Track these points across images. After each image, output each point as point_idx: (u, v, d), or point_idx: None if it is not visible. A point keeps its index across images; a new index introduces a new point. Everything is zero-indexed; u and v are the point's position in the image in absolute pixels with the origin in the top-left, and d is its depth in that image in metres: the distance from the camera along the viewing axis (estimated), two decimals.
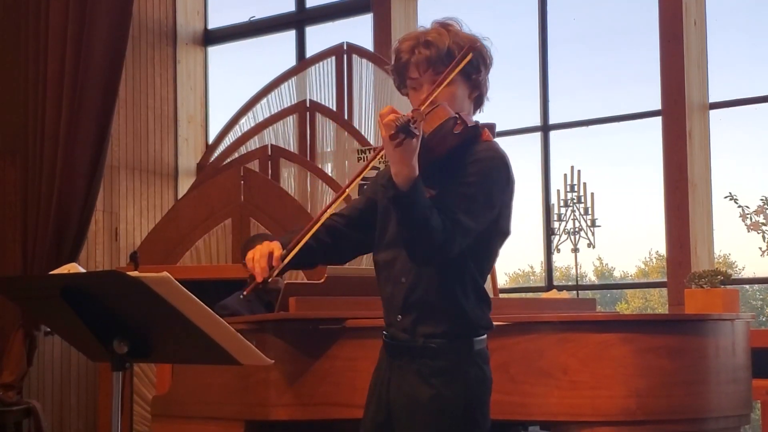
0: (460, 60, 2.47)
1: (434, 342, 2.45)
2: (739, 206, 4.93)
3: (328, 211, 2.53)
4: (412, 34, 2.54)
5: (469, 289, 2.47)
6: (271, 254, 2.43)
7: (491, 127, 2.59)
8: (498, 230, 2.52)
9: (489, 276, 6.04)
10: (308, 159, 6.97)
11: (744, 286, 6.88)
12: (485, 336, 2.52)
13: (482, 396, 2.49)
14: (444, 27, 2.52)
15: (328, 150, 7.09)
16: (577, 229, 6.24)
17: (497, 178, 2.46)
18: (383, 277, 2.57)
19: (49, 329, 5.99)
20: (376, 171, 2.78)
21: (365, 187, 2.67)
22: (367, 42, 7.33)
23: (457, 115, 2.41)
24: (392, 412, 2.51)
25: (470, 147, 2.46)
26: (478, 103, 2.59)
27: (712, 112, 6.34)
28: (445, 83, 2.44)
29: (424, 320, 2.47)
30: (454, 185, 2.41)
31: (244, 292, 2.50)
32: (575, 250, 6.25)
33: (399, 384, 2.50)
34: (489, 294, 2.57)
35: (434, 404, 2.43)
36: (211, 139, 7.95)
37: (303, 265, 2.65)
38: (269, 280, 2.44)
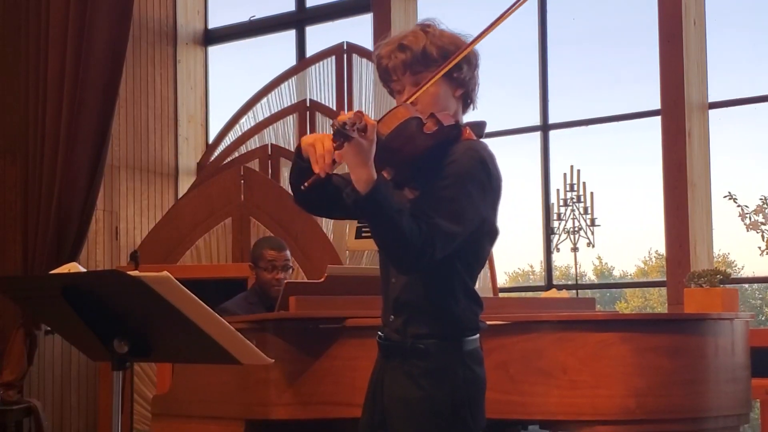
0: (446, 65, 2.44)
1: (423, 343, 2.44)
2: (739, 206, 4.93)
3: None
4: (390, 38, 2.54)
5: (458, 291, 2.45)
6: (333, 150, 2.24)
7: (479, 125, 2.55)
8: (485, 231, 2.47)
9: (489, 275, 6.09)
10: None
11: (743, 285, 6.89)
12: (477, 336, 2.51)
13: (473, 397, 2.47)
14: (422, 29, 2.51)
15: None
16: (576, 229, 6.25)
17: (476, 177, 2.38)
18: (382, 276, 2.57)
19: (49, 328, 6.00)
20: None
21: None
22: (367, 41, 7.33)
23: (419, 117, 2.37)
24: (385, 413, 2.51)
25: (449, 147, 2.42)
26: (465, 101, 2.57)
27: (712, 112, 6.34)
28: (423, 89, 2.41)
29: (414, 321, 2.47)
30: (432, 188, 2.37)
31: (306, 184, 2.32)
32: (575, 249, 6.25)
33: (391, 385, 2.50)
34: (482, 294, 2.56)
35: (423, 405, 2.42)
36: (212, 138, 7.96)
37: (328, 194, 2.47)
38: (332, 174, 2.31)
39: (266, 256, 4.80)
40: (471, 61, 2.53)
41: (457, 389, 2.43)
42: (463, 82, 2.52)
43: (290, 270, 4.89)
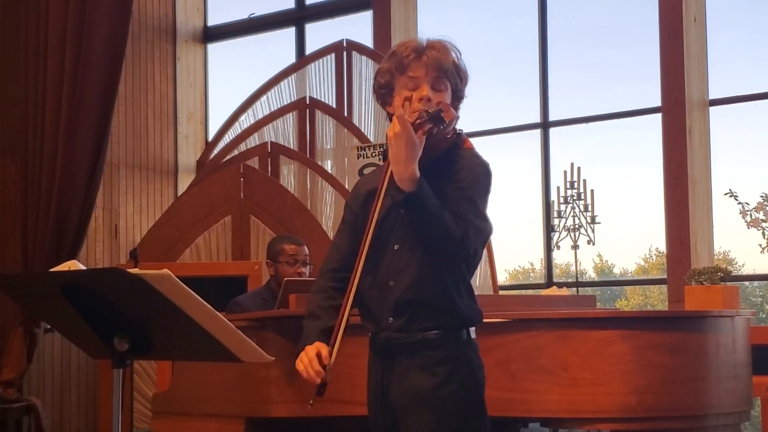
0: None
1: (432, 334, 2.51)
2: (739, 203, 4.92)
3: (352, 292, 2.55)
4: (416, 39, 2.66)
5: (461, 287, 2.56)
6: (319, 355, 2.49)
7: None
8: (488, 233, 2.63)
9: (489, 273, 6.09)
10: (308, 156, 6.97)
11: (744, 282, 6.89)
12: (474, 327, 2.61)
13: (483, 381, 2.58)
14: (450, 46, 2.64)
15: (328, 147, 7.09)
16: (577, 226, 6.24)
17: (484, 183, 2.58)
18: (368, 282, 2.58)
19: (49, 326, 5.99)
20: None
21: (346, 218, 2.72)
22: (366, 39, 7.32)
23: (458, 116, 2.56)
24: (397, 412, 2.53)
25: (455, 152, 2.58)
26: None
27: (712, 109, 6.34)
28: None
29: (418, 318, 2.52)
30: (452, 189, 2.51)
31: (311, 402, 2.53)
32: (575, 246, 6.25)
33: (401, 382, 2.53)
34: (483, 292, 2.65)
35: (441, 392, 2.48)
36: (211, 136, 7.95)
37: None
38: (326, 378, 2.49)
39: (288, 251, 4.82)
40: (464, 94, 2.68)
41: (474, 374, 2.54)
42: (457, 105, 2.67)
43: (309, 266, 4.88)
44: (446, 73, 2.58)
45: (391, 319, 2.54)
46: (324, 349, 2.50)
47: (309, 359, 2.49)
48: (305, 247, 4.90)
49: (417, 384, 2.49)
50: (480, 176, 2.57)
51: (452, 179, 2.52)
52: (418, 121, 2.38)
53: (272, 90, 7.45)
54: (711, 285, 4.64)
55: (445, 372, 2.49)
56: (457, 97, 2.65)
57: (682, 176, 6.13)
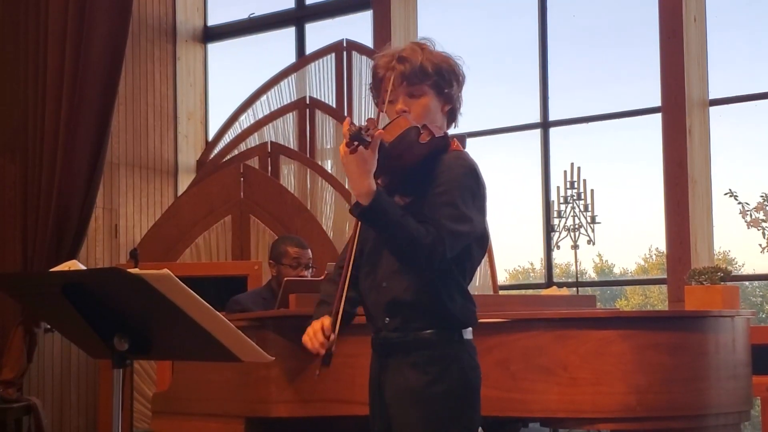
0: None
1: (426, 333, 2.53)
2: (739, 203, 4.92)
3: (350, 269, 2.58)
4: (388, 51, 2.68)
5: (454, 291, 2.56)
6: (322, 327, 2.55)
7: (461, 138, 2.75)
8: (474, 235, 2.57)
9: (489, 273, 6.09)
10: (308, 156, 6.97)
11: (744, 282, 6.88)
12: (471, 329, 2.61)
13: (477, 385, 2.57)
14: (418, 45, 2.65)
15: (328, 147, 7.09)
16: (576, 226, 6.24)
17: (467, 184, 2.54)
18: (367, 286, 2.63)
19: (49, 326, 5.99)
20: None
21: None
22: (366, 39, 7.32)
23: (419, 126, 2.52)
24: (390, 410, 2.54)
25: (439, 156, 2.56)
26: (451, 117, 2.70)
27: (712, 109, 6.34)
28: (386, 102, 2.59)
29: (413, 319, 2.55)
30: (430, 195, 2.50)
31: (317, 372, 2.58)
32: (575, 246, 6.24)
33: (394, 380, 2.56)
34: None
35: (432, 390, 2.49)
36: (211, 136, 7.95)
37: (350, 320, 2.73)
38: (331, 348, 2.54)
39: (291, 254, 4.82)
40: (459, 81, 2.67)
41: (465, 374, 2.53)
42: (451, 99, 2.67)
43: (312, 269, 4.88)
44: (417, 79, 2.58)
45: (387, 319, 2.57)
46: (327, 320, 2.55)
47: (314, 331, 2.56)
48: (309, 251, 4.89)
49: (409, 382, 2.52)
50: (461, 177, 2.52)
51: (433, 184, 2.51)
52: (347, 140, 2.38)
53: (272, 90, 7.45)
54: (711, 285, 4.65)
55: (437, 371, 2.50)
56: (444, 94, 2.63)
57: (682, 176, 6.13)
